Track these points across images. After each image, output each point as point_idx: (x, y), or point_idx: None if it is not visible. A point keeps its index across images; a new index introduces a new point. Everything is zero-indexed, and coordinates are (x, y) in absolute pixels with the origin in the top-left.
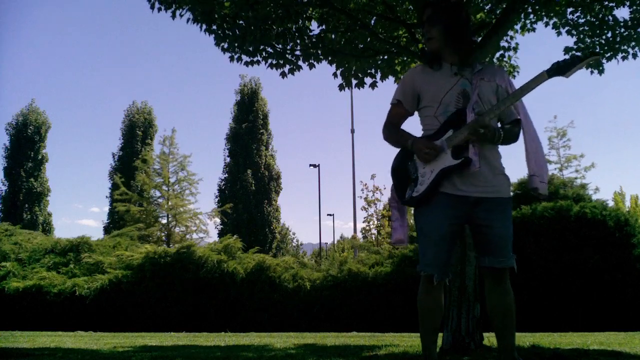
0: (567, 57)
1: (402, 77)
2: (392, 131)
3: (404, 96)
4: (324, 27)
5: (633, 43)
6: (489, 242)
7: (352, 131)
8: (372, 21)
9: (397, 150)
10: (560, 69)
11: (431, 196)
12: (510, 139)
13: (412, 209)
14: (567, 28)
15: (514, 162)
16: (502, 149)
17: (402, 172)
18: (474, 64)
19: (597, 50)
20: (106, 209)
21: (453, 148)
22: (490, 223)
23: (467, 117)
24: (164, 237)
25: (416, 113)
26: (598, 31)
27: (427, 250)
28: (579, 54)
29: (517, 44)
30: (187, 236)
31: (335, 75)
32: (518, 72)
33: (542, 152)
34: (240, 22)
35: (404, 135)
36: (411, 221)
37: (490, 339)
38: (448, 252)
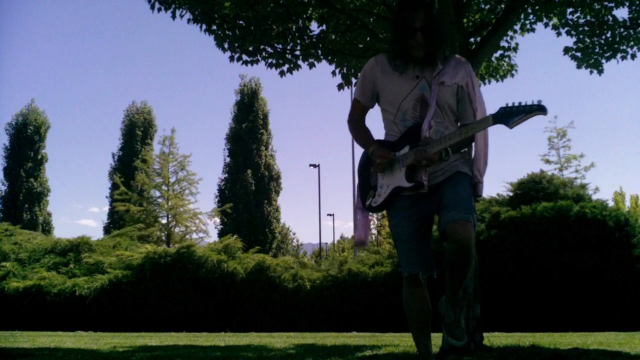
0: (515, 103)
1: (362, 71)
2: (357, 129)
3: (362, 95)
4: (324, 27)
5: (632, 43)
6: (443, 205)
7: None
8: (372, 21)
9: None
10: (504, 116)
11: (388, 204)
12: (462, 148)
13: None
14: (566, 28)
15: (513, 162)
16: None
17: (364, 176)
18: (437, 64)
19: (542, 105)
20: (106, 209)
21: (407, 167)
22: (442, 191)
23: (422, 132)
24: (164, 237)
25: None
26: (597, 31)
27: (403, 251)
28: (527, 103)
29: (517, 44)
30: (187, 236)
31: (334, 73)
32: (516, 70)
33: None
34: (240, 22)
35: (367, 139)
36: None
37: (490, 339)
38: (424, 248)
